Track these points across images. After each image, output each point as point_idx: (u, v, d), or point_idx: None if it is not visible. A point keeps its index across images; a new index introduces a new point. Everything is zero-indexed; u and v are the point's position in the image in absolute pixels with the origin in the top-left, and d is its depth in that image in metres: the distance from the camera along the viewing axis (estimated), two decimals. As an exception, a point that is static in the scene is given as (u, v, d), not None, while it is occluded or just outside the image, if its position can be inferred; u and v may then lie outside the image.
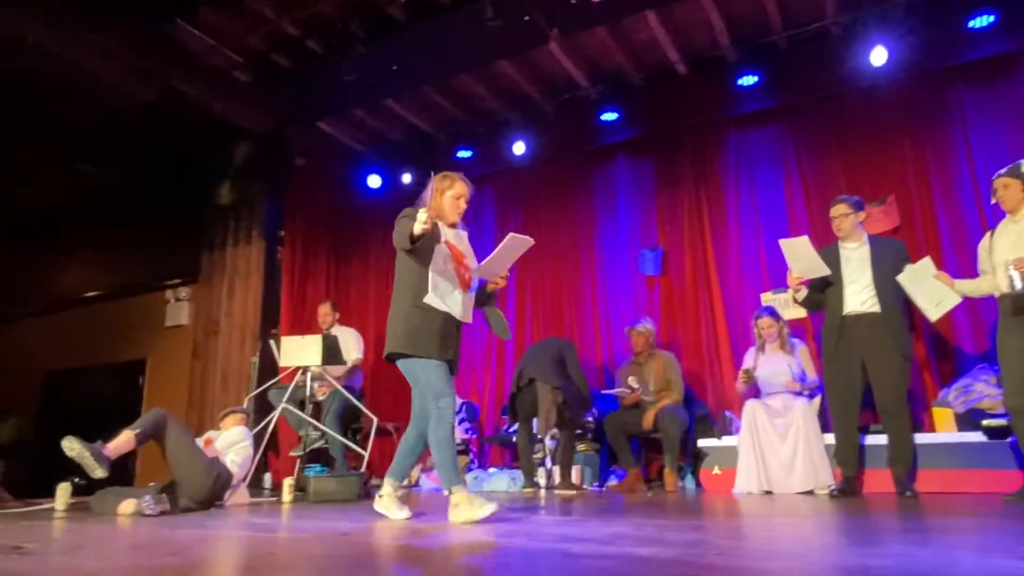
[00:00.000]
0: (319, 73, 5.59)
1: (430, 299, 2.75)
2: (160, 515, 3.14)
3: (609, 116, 5.63)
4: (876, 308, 3.60)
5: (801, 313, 4.54)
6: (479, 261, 2.89)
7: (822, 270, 3.66)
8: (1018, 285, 3.07)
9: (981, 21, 4.46)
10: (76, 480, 4.07)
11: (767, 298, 4.95)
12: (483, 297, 3.00)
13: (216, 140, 6.37)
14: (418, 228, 2.60)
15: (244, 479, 3.82)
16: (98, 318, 7.59)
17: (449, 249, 2.79)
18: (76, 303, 7.85)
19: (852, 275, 3.70)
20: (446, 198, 2.86)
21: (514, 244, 2.77)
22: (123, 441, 3.24)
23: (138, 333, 7.20)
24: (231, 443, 3.71)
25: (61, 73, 5.17)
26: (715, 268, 5.30)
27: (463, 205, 2.89)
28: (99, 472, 3.05)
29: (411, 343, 2.72)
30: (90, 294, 7.78)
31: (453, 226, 2.89)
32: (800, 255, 3.68)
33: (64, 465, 3.18)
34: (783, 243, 3.71)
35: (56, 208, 7.68)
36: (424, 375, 2.70)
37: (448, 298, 2.77)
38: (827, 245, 3.88)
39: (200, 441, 3.61)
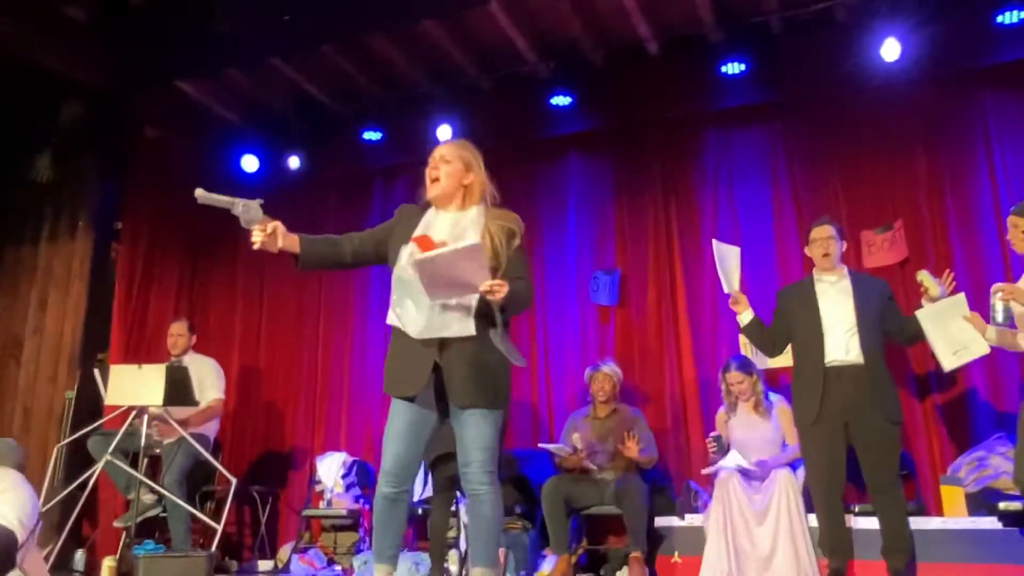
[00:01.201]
0: (183, 16, 5.46)
1: (390, 316, 2.73)
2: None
3: (561, 100, 5.70)
4: (860, 359, 3.76)
5: (786, 361, 4.69)
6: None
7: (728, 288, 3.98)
8: (999, 317, 3.22)
9: (1010, 17, 4.74)
10: None
11: (745, 340, 5.06)
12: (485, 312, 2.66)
13: (34, 96, 6.11)
14: (255, 245, 2.55)
15: (32, 535, 3.58)
16: None
17: (418, 245, 2.66)
18: None
19: (833, 315, 3.85)
20: (426, 174, 2.83)
21: (455, 255, 2.49)
22: None
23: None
24: None
25: None
26: (684, 299, 5.41)
27: (432, 167, 2.78)
28: None
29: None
30: None
31: (459, 205, 2.77)
32: (726, 267, 3.89)
33: None
34: (716, 245, 3.96)
35: None
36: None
37: (401, 309, 2.68)
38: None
39: None
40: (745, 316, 4.04)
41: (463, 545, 4.98)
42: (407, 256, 2.65)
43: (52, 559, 4.39)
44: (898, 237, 4.96)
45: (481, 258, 2.51)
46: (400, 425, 2.65)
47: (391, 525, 2.67)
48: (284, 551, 5.67)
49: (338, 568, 5.37)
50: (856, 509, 4.14)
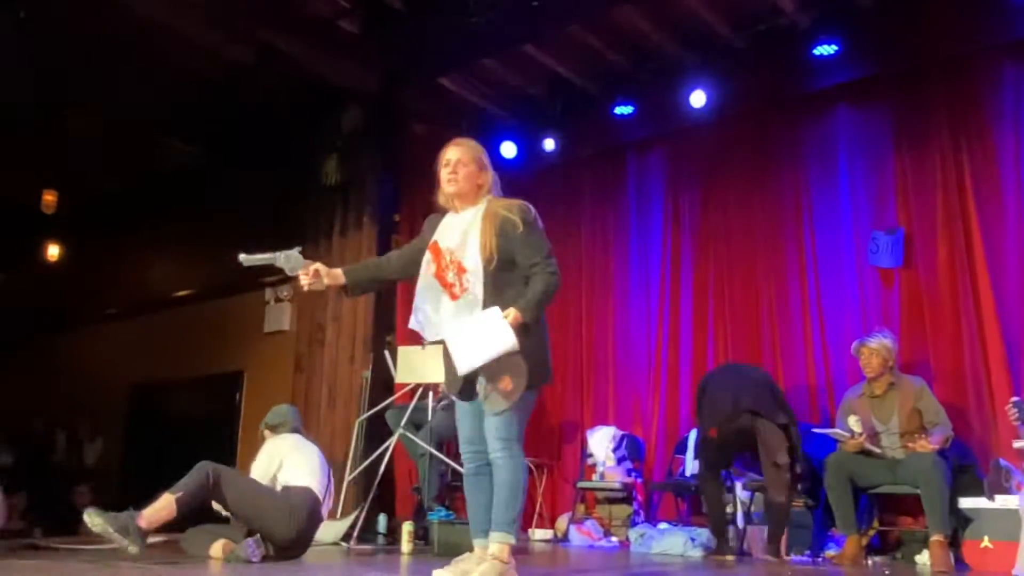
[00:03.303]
0: (440, 16, 5.77)
1: (411, 322, 2.95)
2: (261, 561, 3.39)
3: (825, 50, 5.35)
4: None
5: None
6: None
7: None
8: None
9: None
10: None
11: (1065, 301, 4.49)
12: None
13: (320, 106, 6.77)
14: (306, 288, 2.90)
15: (328, 491, 3.93)
16: (189, 322, 8.35)
17: (431, 251, 2.89)
18: (164, 305, 8.69)
19: None
20: (441, 176, 2.96)
21: (485, 332, 2.71)
22: (161, 508, 3.37)
23: (234, 340, 7.83)
24: (263, 471, 3.79)
25: (139, 34, 5.68)
26: (983, 257, 4.86)
27: (445, 174, 2.92)
28: (133, 549, 3.17)
29: None
30: (179, 294, 8.58)
31: (464, 202, 2.92)
32: None
33: (160, 492, 3.46)
34: None
35: (138, 194, 8.53)
36: None
37: (419, 314, 2.91)
38: None
39: None
40: None
41: (741, 521, 4.89)
42: (425, 262, 2.89)
43: (359, 524, 4.87)
44: None
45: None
46: (461, 411, 2.93)
47: (477, 495, 2.87)
48: (561, 521, 5.88)
49: (614, 539, 5.49)
50: None
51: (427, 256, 2.89)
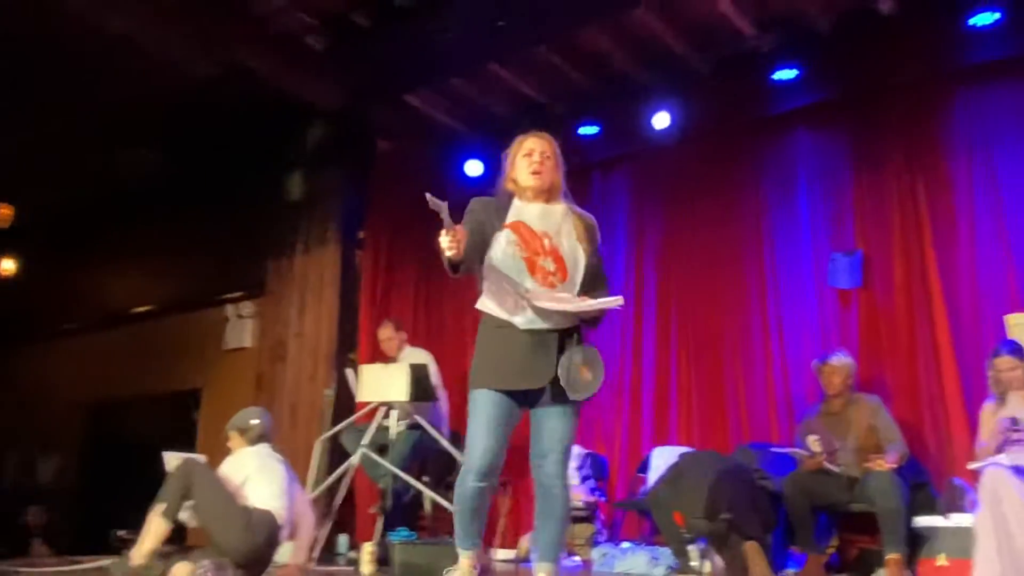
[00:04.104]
0: (407, 35, 5.77)
1: (483, 303, 2.77)
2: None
3: (786, 74, 5.45)
4: None
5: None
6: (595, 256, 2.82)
7: None
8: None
9: None
10: (122, 535, 4.41)
11: (1015, 321, 4.57)
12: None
13: (285, 121, 6.74)
14: (448, 251, 2.56)
15: (291, 510, 3.84)
16: (147, 339, 8.21)
17: (515, 232, 2.74)
18: (122, 320, 8.53)
19: None
20: (517, 164, 2.87)
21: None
22: (156, 534, 3.40)
23: (193, 357, 7.71)
24: (232, 477, 3.72)
25: (101, 43, 5.60)
26: (938, 279, 4.95)
27: (536, 160, 2.83)
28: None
29: (472, 370, 2.78)
30: (137, 310, 8.44)
31: (546, 198, 2.85)
32: None
33: (114, 514, 3.42)
34: None
35: (97, 208, 8.39)
36: (470, 412, 2.74)
37: (507, 298, 2.71)
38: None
39: None
40: None
41: (702, 542, 4.90)
42: (505, 243, 2.71)
43: (320, 543, 4.80)
44: None
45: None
46: (495, 417, 2.68)
47: (480, 514, 2.76)
48: (524, 541, 5.84)
49: (577, 559, 5.47)
50: None
51: (510, 236, 2.73)
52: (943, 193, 5.09)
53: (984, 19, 4.82)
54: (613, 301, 2.65)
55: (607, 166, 6.49)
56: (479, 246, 2.72)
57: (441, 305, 6.97)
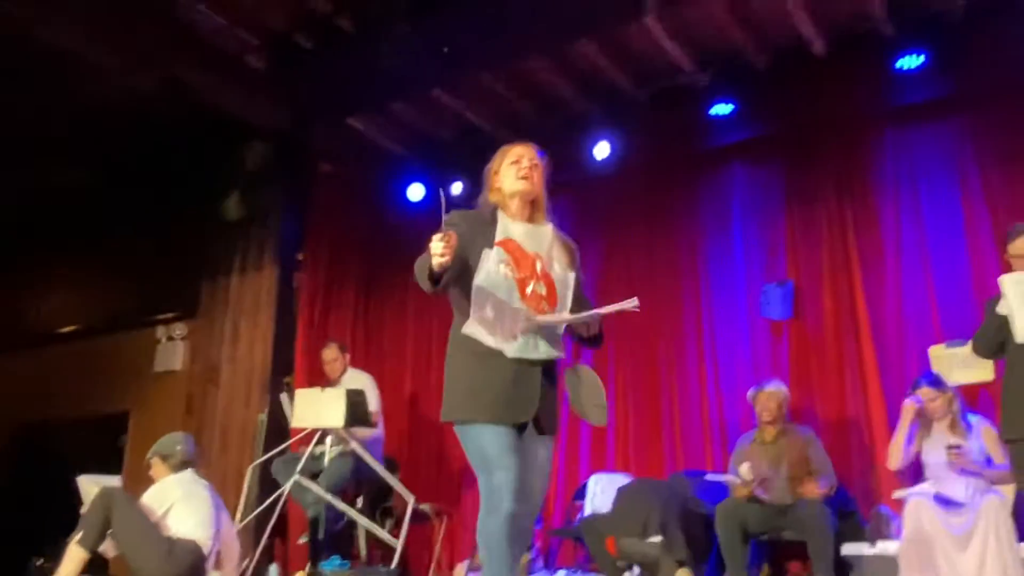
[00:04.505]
0: (350, 58, 5.76)
1: (471, 328, 2.55)
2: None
3: (722, 109, 5.58)
4: None
5: (978, 376, 4.36)
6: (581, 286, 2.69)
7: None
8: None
9: None
10: (40, 564, 4.23)
11: (937, 354, 4.73)
12: (578, 333, 2.67)
13: (224, 140, 6.62)
14: (435, 261, 2.36)
15: (217, 539, 3.75)
16: (74, 360, 7.92)
17: (507, 252, 2.58)
18: (47, 341, 8.22)
19: None
20: (503, 172, 2.74)
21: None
22: (73, 564, 3.32)
23: (121, 380, 7.46)
24: (156, 506, 3.65)
25: (29, 54, 5.44)
26: (865, 311, 5.11)
27: (525, 166, 2.71)
28: None
29: (450, 402, 2.62)
30: (64, 330, 8.15)
31: (530, 217, 2.71)
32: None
33: (36, 541, 3.31)
34: (1006, 280, 3.45)
35: (23, 224, 8.10)
36: (470, 446, 2.54)
37: (498, 324, 2.53)
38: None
39: None
40: None
41: (635, 568, 4.91)
42: (495, 263, 2.53)
43: (248, 574, 4.67)
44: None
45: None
46: (511, 441, 2.51)
47: (516, 545, 2.48)
48: (460, 569, 5.78)
49: (512, 587, 5.42)
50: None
51: (501, 254, 2.56)
52: (871, 227, 5.27)
53: (910, 62, 5.02)
54: (628, 303, 2.46)
55: (549, 194, 6.51)
56: (462, 262, 2.51)
57: (380, 329, 6.91)
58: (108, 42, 5.35)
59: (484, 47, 5.48)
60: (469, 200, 6.56)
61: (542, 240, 2.68)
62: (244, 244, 6.63)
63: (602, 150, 5.89)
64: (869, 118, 5.41)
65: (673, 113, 5.85)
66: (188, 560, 3.49)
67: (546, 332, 2.58)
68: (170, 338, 7.18)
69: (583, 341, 2.71)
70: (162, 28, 5.47)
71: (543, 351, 2.57)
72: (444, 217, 2.45)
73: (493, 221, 2.67)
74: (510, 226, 2.67)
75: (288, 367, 6.28)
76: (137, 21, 5.32)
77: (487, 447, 2.50)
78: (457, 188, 6.44)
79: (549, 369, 2.64)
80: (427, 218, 6.61)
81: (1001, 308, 3.49)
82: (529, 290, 2.57)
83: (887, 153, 5.33)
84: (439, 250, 2.36)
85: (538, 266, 2.61)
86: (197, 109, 6.07)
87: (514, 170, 2.72)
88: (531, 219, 2.73)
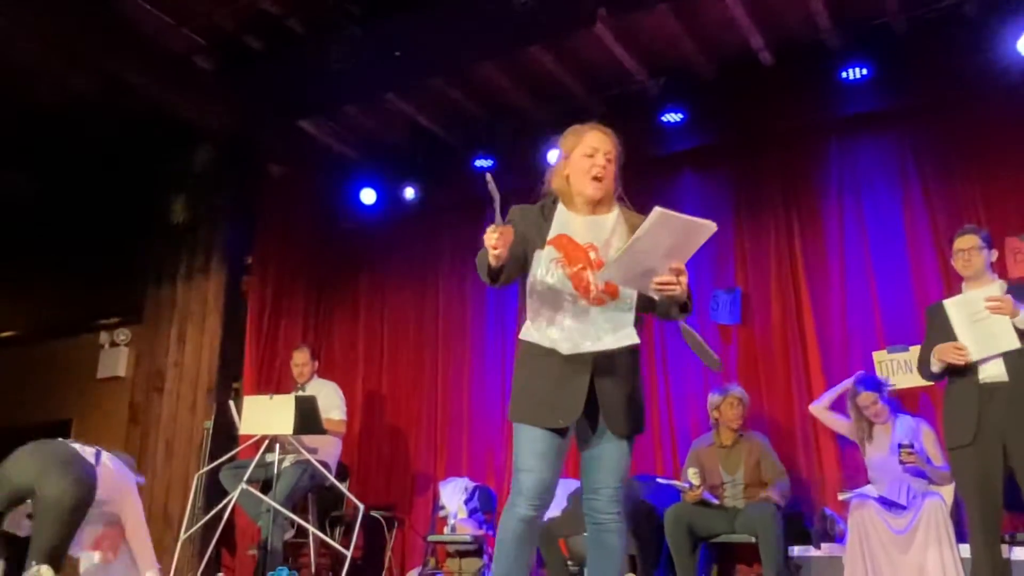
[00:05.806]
0: (301, 60, 5.67)
1: (527, 332, 2.50)
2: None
3: (672, 117, 5.62)
4: (1006, 377, 3.48)
5: (919, 381, 4.45)
6: None
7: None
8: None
9: None
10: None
11: (880, 359, 4.84)
12: (663, 308, 2.54)
13: (169, 143, 6.49)
14: (492, 257, 2.28)
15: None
16: (13, 366, 7.68)
17: (559, 249, 2.47)
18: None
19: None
20: (574, 162, 2.56)
21: (666, 225, 2.25)
22: None
23: (62, 387, 7.26)
24: None
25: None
26: (811, 316, 5.21)
27: (600, 163, 2.52)
28: None
29: (512, 402, 2.54)
30: (2, 335, 7.90)
31: (595, 207, 2.55)
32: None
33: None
34: (948, 305, 3.59)
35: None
36: (514, 444, 2.49)
37: (551, 324, 2.47)
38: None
39: None
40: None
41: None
42: (547, 262, 2.46)
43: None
44: (1049, 241, 4.61)
45: (697, 242, 2.34)
46: (546, 447, 2.44)
47: (528, 548, 2.47)
48: (411, 576, 5.74)
49: (464, 594, 5.40)
50: (1015, 538, 3.86)
51: (552, 254, 2.46)
52: (816, 235, 5.36)
53: (854, 73, 5.11)
54: (704, 223, 2.30)
55: (503, 199, 6.50)
56: (520, 258, 2.45)
57: (331, 335, 6.82)
58: (37, 40, 5.18)
59: (436, 52, 5.44)
60: (421, 205, 6.59)
61: (601, 229, 2.54)
62: (191, 248, 6.51)
63: (555, 156, 5.87)
64: (815, 127, 5.50)
65: (625, 120, 5.81)
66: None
67: (612, 321, 2.49)
68: (113, 343, 7.00)
69: (669, 315, 2.56)
70: (100, 25, 5.30)
71: (608, 341, 2.47)
72: (495, 206, 2.31)
73: (549, 217, 2.56)
74: (569, 221, 2.55)
75: (236, 373, 6.17)
76: (69, 17, 5.15)
77: (520, 448, 2.47)
78: (410, 193, 6.40)
79: (619, 361, 2.52)
80: (378, 222, 6.57)
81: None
82: (585, 282, 2.47)
83: (832, 162, 5.43)
84: (492, 242, 2.28)
85: (592, 256, 2.49)
86: (141, 111, 5.94)
87: (587, 165, 2.54)
88: (595, 211, 2.58)
